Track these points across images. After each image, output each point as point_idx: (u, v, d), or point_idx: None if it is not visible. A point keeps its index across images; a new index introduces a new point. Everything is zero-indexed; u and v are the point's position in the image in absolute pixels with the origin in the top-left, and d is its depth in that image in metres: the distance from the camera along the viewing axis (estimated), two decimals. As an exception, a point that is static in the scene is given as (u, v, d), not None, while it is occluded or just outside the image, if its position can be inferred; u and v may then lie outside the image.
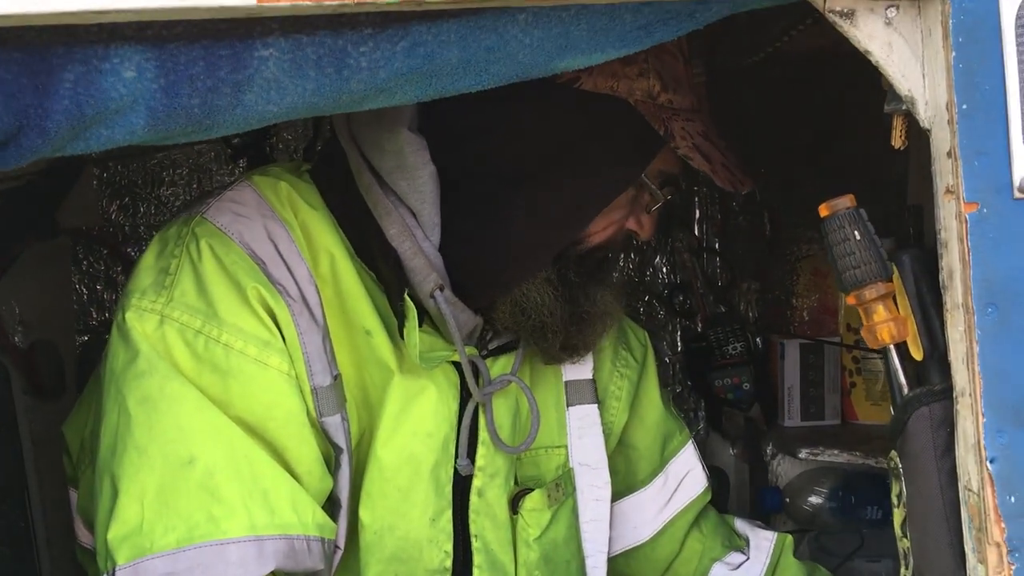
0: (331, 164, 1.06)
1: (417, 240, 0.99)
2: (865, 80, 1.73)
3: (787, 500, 1.57)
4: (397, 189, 0.99)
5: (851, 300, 0.75)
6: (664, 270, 1.73)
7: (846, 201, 0.74)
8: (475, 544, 1.07)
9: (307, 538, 0.92)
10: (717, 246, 1.72)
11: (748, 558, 1.27)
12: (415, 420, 1.03)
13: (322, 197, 1.03)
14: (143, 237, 1.61)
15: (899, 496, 0.78)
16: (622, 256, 1.72)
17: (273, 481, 0.92)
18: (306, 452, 0.95)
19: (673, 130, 0.98)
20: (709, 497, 1.31)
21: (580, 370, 1.20)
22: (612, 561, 1.25)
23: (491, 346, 1.09)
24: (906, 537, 0.77)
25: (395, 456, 1.02)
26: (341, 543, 1.00)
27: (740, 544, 1.29)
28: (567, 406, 1.19)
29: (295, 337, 0.95)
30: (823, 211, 0.75)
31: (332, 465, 0.99)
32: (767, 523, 1.58)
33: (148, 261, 0.98)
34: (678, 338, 1.75)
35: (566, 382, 1.19)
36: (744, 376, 1.63)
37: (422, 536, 1.04)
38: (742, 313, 1.69)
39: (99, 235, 1.59)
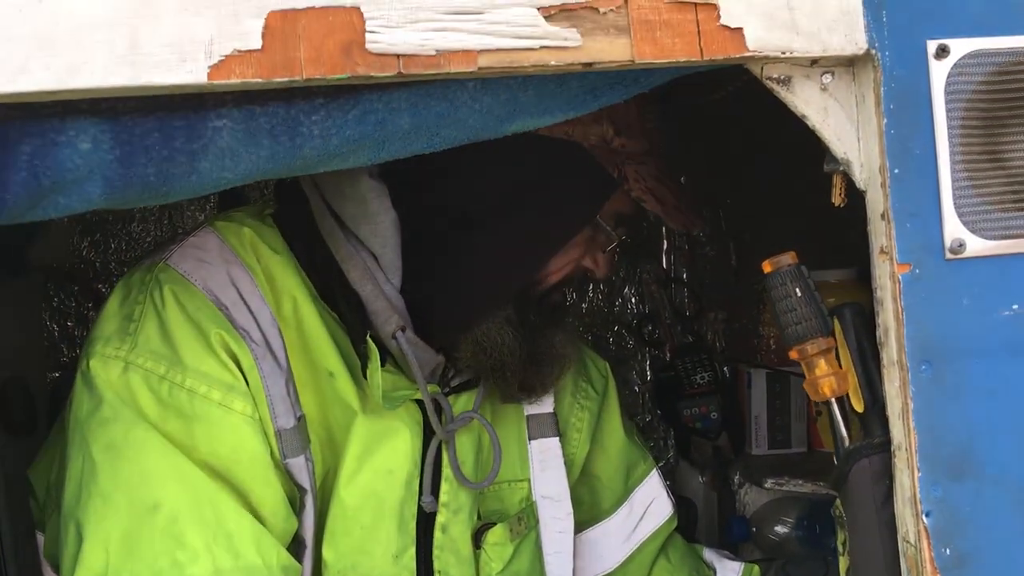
0: (294, 208, 1.08)
1: (379, 283, 1.01)
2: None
3: (754, 529, 1.59)
4: (359, 234, 1.01)
5: (793, 355, 0.77)
6: (633, 300, 1.75)
7: (788, 258, 0.77)
8: None
9: None
10: (685, 276, 1.74)
11: None
12: (378, 459, 1.04)
13: (285, 241, 1.05)
14: (114, 273, 1.62)
15: (844, 544, 0.80)
16: (590, 287, 1.75)
17: (237, 524, 0.93)
18: (271, 494, 0.97)
19: (627, 173, 1.01)
20: (675, 524, 1.32)
21: (541, 405, 1.22)
22: None
23: (453, 383, 1.11)
24: (851, 584, 0.79)
25: (358, 495, 1.04)
26: None
27: (707, 574, 1.31)
28: (529, 440, 1.21)
29: (258, 380, 0.97)
30: (766, 267, 0.78)
31: (297, 506, 1.01)
32: (735, 552, 1.60)
33: (112, 308, 0.99)
34: (647, 367, 1.77)
35: (527, 416, 1.22)
36: (712, 405, 1.65)
37: (385, 574, 1.05)
38: (709, 343, 1.71)
39: (70, 272, 1.59)
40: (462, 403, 1.11)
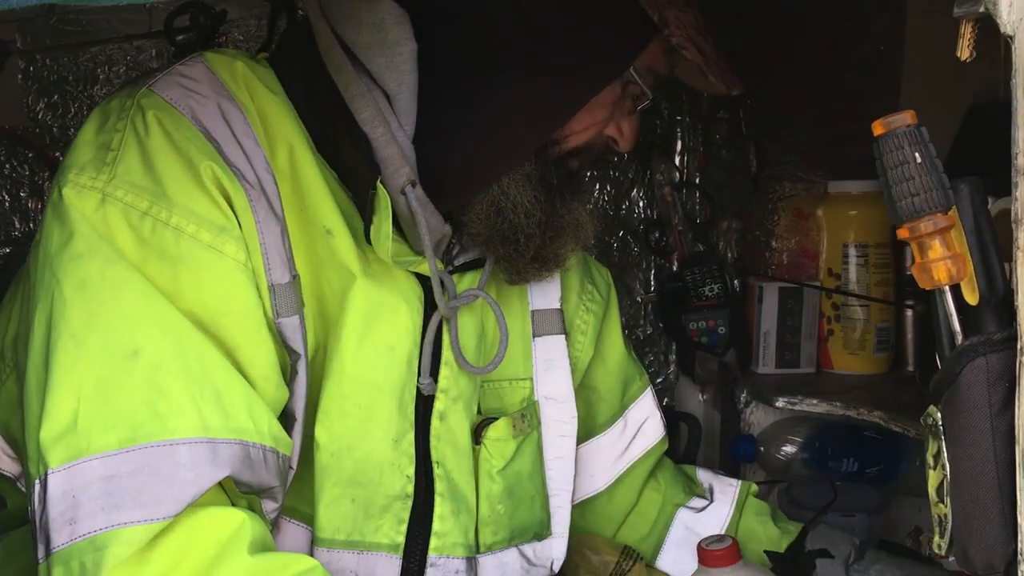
0: (293, 47, 0.96)
1: (390, 127, 0.90)
2: (860, 10, 1.64)
3: (760, 449, 1.50)
4: (372, 67, 0.90)
5: (903, 233, 0.65)
6: (641, 204, 1.63)
7: (906, 118, 0.64)
8: (437, 471, 0.99)
9: (263, 447, 0.83)
10: (698, 180, 1.62)
11: (713, 501, 1.22)
12: (379, 332, 0.94)
13: (282, 84, 0.94)
14: (72, 140, 1.45)
15: (936, 456, 0.70)
16: (596, 187, 1.62)
17: (227, 382, 0.83)
18: (262, 355, 0.86)
19: (668, 18, 0.91)
20: (666, 447, 1.25)
21: (547, 299, 1.12)
22: None
23: (457, 261, 1.01)
24: (943, 503, 0.69)
25: (357, 370, 0.94)
26: (294, 463, 0.92)
27: (702, 491, 1.24)
28: (533, 336, 1.11)
29: (252, 226, 0.87)
30: (878, 128, 0.65)
31: (288, 373, 0.90)
32: (739, 473, 1.51)
33: (87, 136, 0.88)
34: (651, 276, 1.65)
35: (533, 311, 1.12)
36: (720, 319, 1.55)
37: (384, 458, 0.96)
38: (721, 253, 1.60)
39: (23, 136, 1.43)
40: (465, 284, 1.01)
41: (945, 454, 0.68)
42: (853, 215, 1.55)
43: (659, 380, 1.67)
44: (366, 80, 0.90)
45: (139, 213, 0.83)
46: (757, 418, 1.55)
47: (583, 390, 1.20)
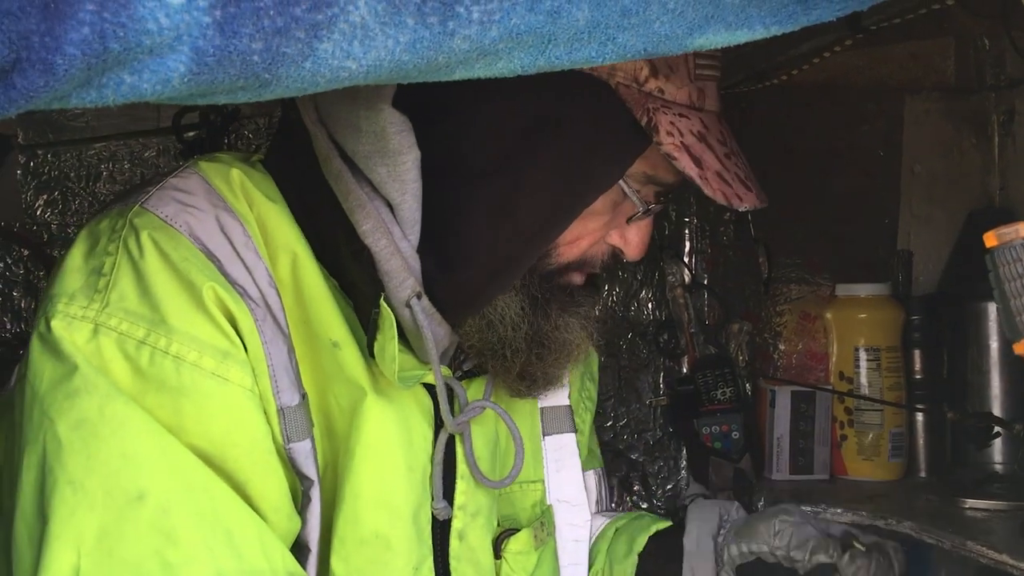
0: (288, 153, 0.91)
1: (394, 238, 0.85)
2: (861, 118, 1.68)
3: (782, 561, 1.45)
4: (374, 177, 0.85)
5: (1021, 349, 0.63)
6: (649, 306, 1.61)
7: (1020, 229, 0.62)
8: None
9: None
10: (706, 282, 1.61)
11: None
12: (393, 452, 0.89)
13: (280, 190, 0.90)
14: (73, 238, 1.39)
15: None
16: (605, 288, 1.59)
17: (238, 520, 0.77)
18: (273, 486, 0.81)
19: (658, 123, 0.85)
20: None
21: (557, 396, 1.08)
22: None
23: (465, 367, 0.97)
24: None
25: (375, 495, 0.88)
26: None
27: None
28: (543, 435, 1.07)
29: (259, 347, 0.82)
30: (990, 240, 0.63)
31: (299, 501, 0.85)
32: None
33: (75, 261, 0.82)
34: (660, 380, 1.62)
35: (542, 408, 1.08)
36: (734, 424, 1.52)
37: None
38: (733, 356, 1.58)
39: (20, 233, 1.37)
40: (474, 390, 0.97)
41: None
42: (863, 318, 1.55)
43: (669, 487, 1.63)
44: (367, 189, 0.86)
45: (135, 342, 0.78)
46: (775, 527, 1.51)
47: None
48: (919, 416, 1.54)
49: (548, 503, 1.06)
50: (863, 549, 0.98)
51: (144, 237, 0.81)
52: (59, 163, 1.39)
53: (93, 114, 1.40)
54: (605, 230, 0.93)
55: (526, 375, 0.94)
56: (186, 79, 0.50)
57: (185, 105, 1.34)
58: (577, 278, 0.95)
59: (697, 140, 0.87)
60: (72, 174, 1.40)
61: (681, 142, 0.85)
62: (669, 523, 1.10)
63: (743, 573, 1.01)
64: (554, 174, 0.86)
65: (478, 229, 0.87)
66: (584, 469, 1.15)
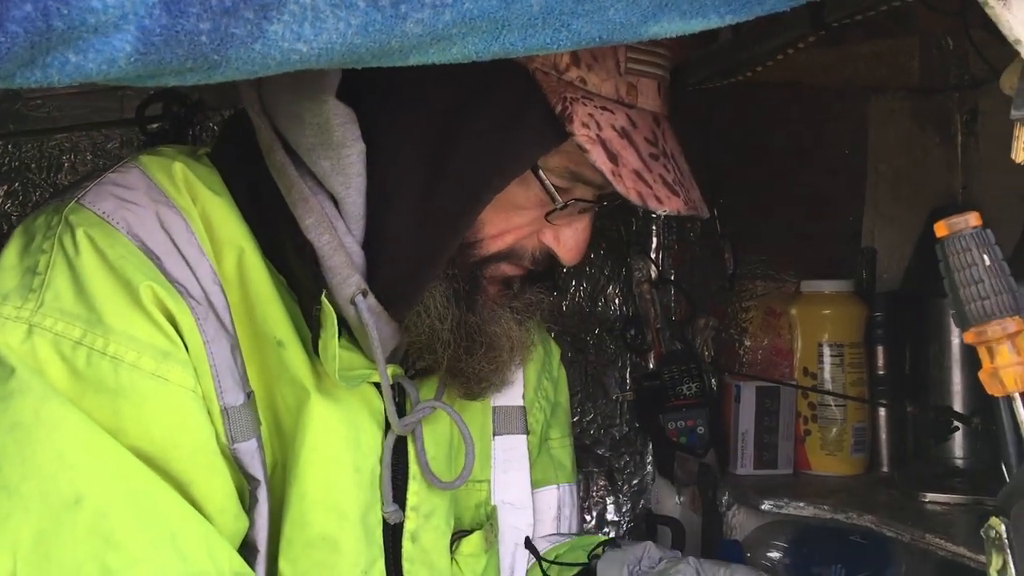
0: (235, 144, 0.90)
1: (338, 233, 0.84)
2: (827, 117, 1.69)
3: (747, 555, 1.46)
4: (317, 170, 0.84)
5: (970, 338, 0.63)
6: (616, 301, 1.61)
7: (970, 219, 0.63)
8: None
9: None
10: (672, 278, 1.61)
11: None
12: (343, 453, 0.88)
13: (226, 183, 0.88)
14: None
15: (1001, 572, 0.67)
16: (572, 284, 1.60)
17: (181, 522, 0.76)
18: (217, 487, 0.80)
19: (574, 112, 0.81)
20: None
21: (510, 395, 1.06)
22: None
23: (418, 365, 0.94)
24: (1010, 620, 0.66)
25: (321, 497, 0.87)
26: None
27: None
28: (493, 435, 1.05)
29: (201, 347, 0.80)
30: (941, 230, 0.64)
31: (246, 501, 0.84)
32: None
33: (9, 259, 0.80)
34: (627, 375, 1.63)
35: (494, 407, 1.06)
36: (700, 419, 1.52)
37: None
38: (698, 351, 1.58)
39: (-21, 224, 1.35)
40: (426, 390, 0.95)
41: (1013, 569, 0.65)
42: (827, 314, 1.56)
43: (635, 481, 1.63)
44: (310, 183, 0.85)
45: (72, 343, 0.76)
46: (739, 521, 1.52)
47: None
48: (881, 411, 1.55)
49: (492, 504, 1.05)
50: None
51: (80, 234, 0.79)
52: (20, 154, 1.37)
53: (55, 104, 1.38)
54: (534, 227, 0.90)
55: (456, 371, 0.91)
56: (132, 59, 0.49)
57: (148, 96, 1.32)
58: (510, 270, 0.92)
59: (618, 136, 0.83)
60: (33, 165, 1.38)
61: (597, 135, 0.81)
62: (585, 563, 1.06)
63: None
64: (469, 159, 0.83)
65: (406, 216, 0.85)
66: (546, 483, 1.14)
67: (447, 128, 0.84)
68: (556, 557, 1.10)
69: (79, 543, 0.72)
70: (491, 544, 1.03)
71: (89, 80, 0.50)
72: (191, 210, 0.85)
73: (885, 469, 1.55)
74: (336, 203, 0.85)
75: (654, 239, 1.61)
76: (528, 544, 1.08)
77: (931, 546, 1.16)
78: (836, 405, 1.53)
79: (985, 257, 0.61)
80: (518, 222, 0.89)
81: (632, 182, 0.82)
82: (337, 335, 0.83)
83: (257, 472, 0.84)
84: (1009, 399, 0.63)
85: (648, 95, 0.87)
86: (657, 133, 0.87)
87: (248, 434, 0.83)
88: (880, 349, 1.56)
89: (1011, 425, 0.63)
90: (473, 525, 1.03)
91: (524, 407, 1.09)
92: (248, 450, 0.83)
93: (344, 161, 0.83)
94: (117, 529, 0.73)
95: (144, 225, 0.82)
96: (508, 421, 1.07)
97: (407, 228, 0.85)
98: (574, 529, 1.17)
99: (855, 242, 1.66)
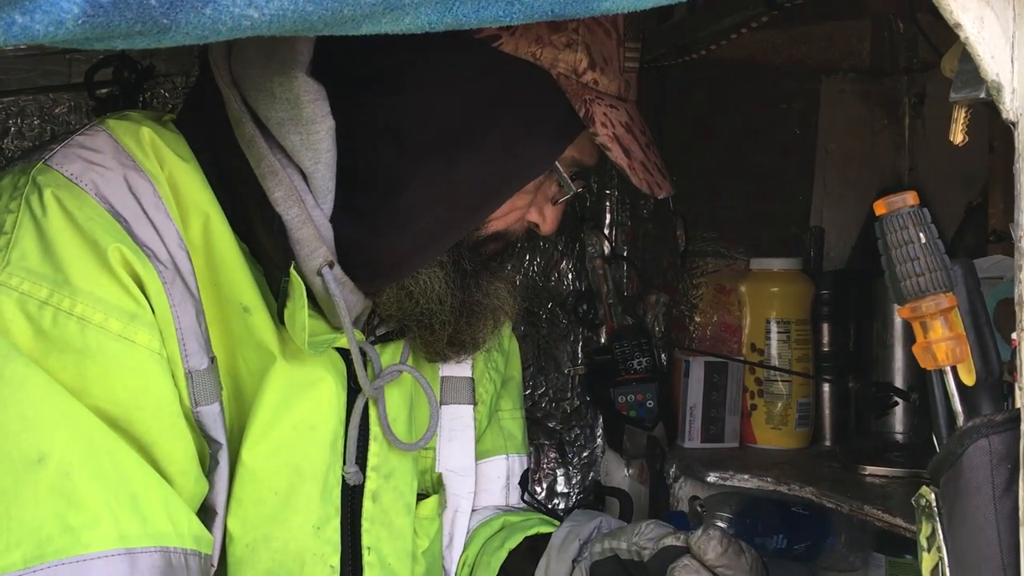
0: (201, 112, 0.90)
1: (306, 206, 0.86)
2: (779, 96, 1.71)
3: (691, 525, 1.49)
4: (287, 144, 0.85)
5: (905, 313, 0.65)
6: (569, 276, 1.62)
7: (908, 198, 0.65)
8: (367, 557, 0.94)
9: (184, 552, 0.77)
10: (625, 254, 1.63)
11: None
12: (298, 412, 0.89)
13: (192, 150, 0.88)
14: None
15: (930, 539, 0.69)
16: (526, 258, 1.61)
17: (143, 483, 0.77)
18: (180, 449, 0.81)
19: (594, 114, 0.88)
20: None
21: (459, 366, 1.09)
22: None
23: (379, 331, 0.97)
24: (938, 584, 0.69)
25: (272, 454, 0.88)
26: (215, 560, 0.86)
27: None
28: (440, 404, 1.07)
29: (167, 310, 0.81)
30: (879, 208, 0.66)
31: (207, 464, 0.85)
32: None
33: None
34: (579, 349, 1.64)
35: (442, 377, 1.08)
36: (649, 393, 1.54)
37: (304, 548, 0.90)
38: (649, 326, 1.60)
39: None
40: (388, 355, 0.97)
41: (941, 536, 0.67)
42: (775, 291, 1.59)
43: (585, 454, 1.65)
44: (279, 156, 0.86)
45: (38, 303, 0.77)
46: (686, 493, 1.54)
47: None
48: (826, 387, 1.59)
49: (437, 471, 1.07)
50: (717, 524, 1.00)
51: (48, 195, 0.79)
52: (-36, 117, 1.34)
53: (1, 67, 1.35)
54: (528, 207, 0.95)
55: (455, 341, 0.96)
56: (80, 21, 0.49)
57: (98, 61, 1.31)
58: (496, 247, 0.97)
59: (625, 131, 0.90)
60: (-24, 127, 1.36)
61: (613, 133, 0.88)
62: (556, 526, 1.09)
63: (596, 570, 0.99)
64: (491, 156, 0.87)
65: (412, 201, 0.87)
66: (495, 453, 1.16)
67: (468, 125, 0.87)
68: (503, 525, 1.12)
69: (40, 501, 0.73)
70: (443, 507, 1.05)
71: (36, 41, 0.50)
72: (158, 175, 0.85)
73: (828, 443, 1.59)
74: (304, 176, 0.86)
75: (608, 215, 1.62)
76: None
77: (869, 517, 1.19)
78: (782, 380, 1.56)
79: (921, 235, 0.63)
80: (520, 204, 0.94)
81: (643, 173, 0.90)
82: (306, 305, 0.84)
83: (219, 435, 0.85)
84: (941, 372, 0.66)
85: (634, 87, 0.94)
86: (643, 122, 0.94)
87: (211, 398, 0.84)
88: (826, 326, 1.60)
89: (942, 397, 0.66)
90: (419, 490, 1.04)
91: (472, 378, 1.11)
92: (210, 413, 0.84)
93: (313, 137, 0.84)
94: (79, 488, 0.74)
95: (112, 188, 0.82)
96: (456, 391, 1.09)
97: (419, 215, 0.88)
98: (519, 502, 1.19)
99: (804, 221, 1.68)
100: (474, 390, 1.11)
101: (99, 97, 1.32)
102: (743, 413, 1.60)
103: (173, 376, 0.82)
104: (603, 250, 1.57)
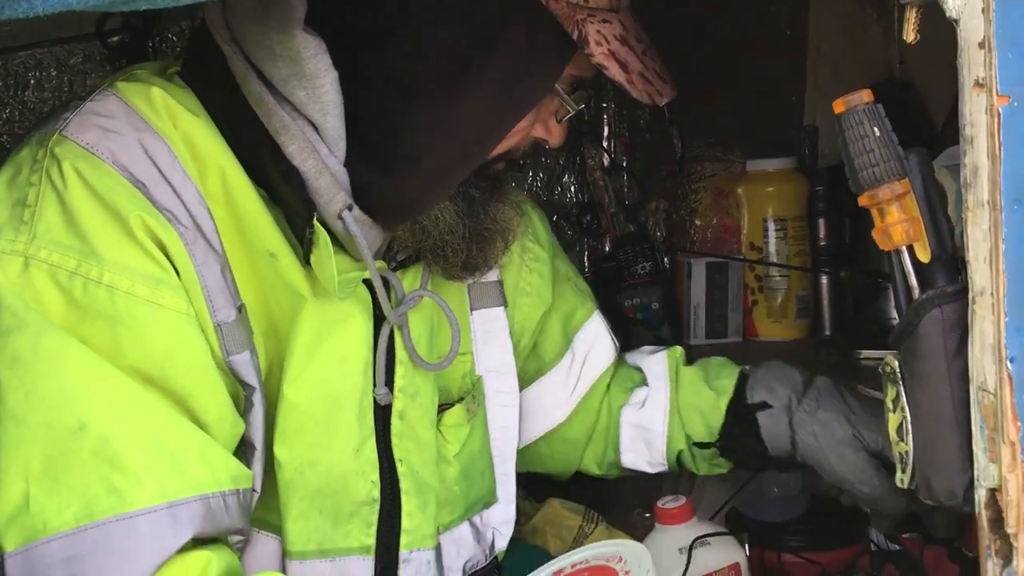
0: (205, 66, 0.92)
1: (321, 156, 0.88)
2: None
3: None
4: (294, 99, 0.87)
5: (864, 200, 0.72)
6: (572, 189, 1.69)
7: (863, 96, 0.71)
8: (400, 469, 1.01)
9: (223, 494, 0.83)
10: (625, 164, 1.69)
11: (650, 388, 1.22)
12: (331, 346, 0.95)
13: (202, 103, 0.90)
14: (4, 146, 1.42)
15: (895, 401, 0.77)
16: (529, 174, 1.67)
17: (179, 438, 0.82)
18: (215, 399, 0.86)
19: (587, 34, 0.88)
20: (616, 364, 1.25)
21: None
22: (532, 447, 1.23)
23: (399, 257, 1.01)
24: (903, 441, 0.77)
25: (311, 387, 0.94)
26: (258, 486, 0.92)
27: (637, 379, 1.24)
28: (471, 311, 1.13)
29: (191, 270, 0.85)
30: (839, 106, 0.72)
31: (242, 406, 0.90)
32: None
33: None
34: (585, 259, 1.72)
35: (469, 285, 1.13)
36: (653, 296, 1.62)
37: (347, 468, 0.97)
38: (650, 232, 1.67)
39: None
40: (409, 279, 1.02)
41: (904, 398, 0.75)
42: (771, 191, 1.65)
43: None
44: (288, 110, 0.87)
45: (67, 273, 0.80)
46: (691, 388, 1.63)
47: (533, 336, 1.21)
48: (824, 280, 1.66)
49: (477, 374, 1.13)
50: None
51: (67, 167, 0.82)
52: (-14, 71, 1.40)
53: (14, 22, 1.40)
54: (531, 127, 0.98)
55: (468, 266, 1.00)
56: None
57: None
58: (502, 166, 1.00)
59: (620, 44, 0.90)
60: (0, 83, 1.42)
61: (608, 50, 0.88)
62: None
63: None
64: (490, 91, 0.88)
65: (419, 142, 0.89)
66: (586, 317, 1.22)
67: (466, 64, 0.88)
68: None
69: (85, 466, 0.78)
70: (473, 413, 1.10)
71: (69, 8, 0.56)
72: (172, 134, 0.87)
73: (828, 332, 1.67)
74: (315, 127, 0.88)
75: (606, 128, 1.68)
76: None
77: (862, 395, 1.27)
78: (780, 276, 1.64)
79: (875, 129, 0.70)
80: (522, 126, 0.94)
81: (642, 85, 0.90)
82: (333, 254, 0.89)
83: (252, 380, 0.90)
84: (897, 252, 0.73)
85: None
86: (638, 28, 0.94)
87: (241, 347, 0.88)
88: (822, 221, 1.66)
89: (900, 275, 0.73)
90: (461, 394, 1.11)
91: (500, 280, 1.16)
92: (242, 361, 0.88)
93: (319, 91, 0.86)
94: (120, 452, 0.78)
95: (128, 154, 0.84)
96: (484, 295, 1.14)
97: (426, 153, 0.90)
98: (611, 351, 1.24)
99: (798, 120, 1.73)
100: (503, 292, 1.16)
101: (110, 45, 1.38)
102: (745, 309, 1.68)
103: (204, 331, 0.85)
104: (603, 162, 1.63)
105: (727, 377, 1.20)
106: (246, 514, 0.88)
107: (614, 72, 0.89)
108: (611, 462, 1.23)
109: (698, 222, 1.74)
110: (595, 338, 1.23)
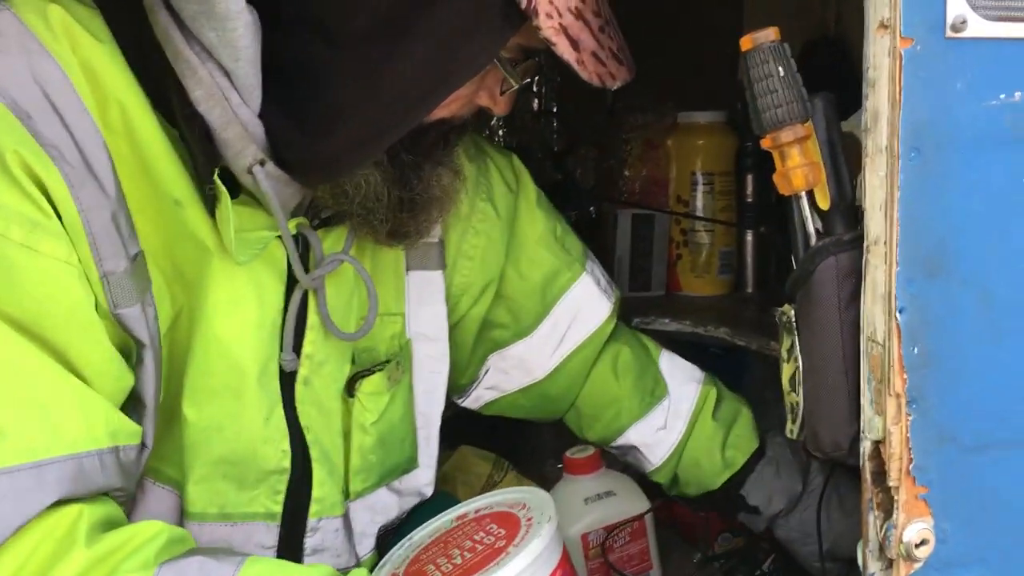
0: None
1: (231, 104, 0.81)
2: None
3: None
4: (204, 40, 0.79)
5: (766, 143, 0.70)
6: (500, 133, 1.66)
7: (770, 34, 0.69)
8: (308, 437, 0.97)
9: (100, 453, 0.78)
10: (555, 110, 1.66)
11: (666, 429, 1.21)
12: (239, 310, 0.90)
13: (109, 29, 0.82)
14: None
15: (790, 350, 0.76)
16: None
17: (52, 390, 0.76)
18: (97, 351, 0.80)
19: (537, 5, 0.81)
20: (611, 327, 1.23)
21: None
22: (508, 397, 1.22)
23: (324, 214, 0.94)
24: (794, 391, 0.76)
25: (217, 350, 0.89)
26: (149, 442, 0.87)
27: (659, 394, 1.23)
28: (406, 271, 1.07)
29: (75, 215, 0.78)
30: (746, 44, 0.70)
31: (133, 360, 0.84)
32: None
33: None
34: (510, 205, 1.69)
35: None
36: (578, 244, 1.60)
37: (256, 436, 0.93)
38: (578, 181, 1.65)
39: None
40: (333, 239, 0.96)
41: (798, 347, 0.74)
42: (700, 144, 1.63)
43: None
44: (198, 50, 0.80)
45: None
46: (612, 337, 1.62)
47: (501, 299, 1.17)
48: (748, 236, 1.65)
49: (408, 337, 1.08)
50: None
51: None
52: None
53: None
54: (475, 94, 0.91)
55: (395, 233, 0.93)
56: None
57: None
58: (438, 135, 0.92)
59: (575, 18, 0.83)
60: None
61: (560, 23, 0.81)
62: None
63: None
64: (426, 51, 0.81)
65: (344, 98, 0.82)
66: (572, 282, 1.18)
67: (403, 16, 0.81)
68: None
69: None
70: (396, 381, 1.06)
71: None
72: (69, 59, 0.79)
73: (750, 290, 1.67)
74: (227, 74, 0.81)
75: (537, 74, 1.64)
76: None
77: (774, 352, 1.27)
78: (705, 230, 1.62)
79: (780, 69, 0.67)
80: (463, 94, 0.88)
81: (593, 66, 0.84)
82: (231, 214, 0.83)
83: (142, 335, 0.84)
84: (797, 197, 0.71)
85: None
86: (596, 1, 0.87)
87: (132, 300, 0.82)
88: (750, 177, 1.65)
89: (799, 221, 0.71)
90: (388, 356, 1.06)
91: (441, 241, 1.10)
92: (132, 315, 0.82)
93: (231, 35, 0.79)
94: None
95: (14, 79, 0.77)
96: (422, 256, 1.08)
97: (350, 113, 0.83)
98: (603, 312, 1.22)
99: (732, 74, 1.71)
100: (443, 254, 1.10)
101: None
102: (669, 263, 1.66)
103: (88, 280, 0.79)
104: (532, 107, 1.60)
105: (742, 450, 1.19)
106: (127, 472, 0.82)
107: (563, 49, 0.82)
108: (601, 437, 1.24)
109: (627, 173, 1.72)
110: (580, 303, 1.20)
